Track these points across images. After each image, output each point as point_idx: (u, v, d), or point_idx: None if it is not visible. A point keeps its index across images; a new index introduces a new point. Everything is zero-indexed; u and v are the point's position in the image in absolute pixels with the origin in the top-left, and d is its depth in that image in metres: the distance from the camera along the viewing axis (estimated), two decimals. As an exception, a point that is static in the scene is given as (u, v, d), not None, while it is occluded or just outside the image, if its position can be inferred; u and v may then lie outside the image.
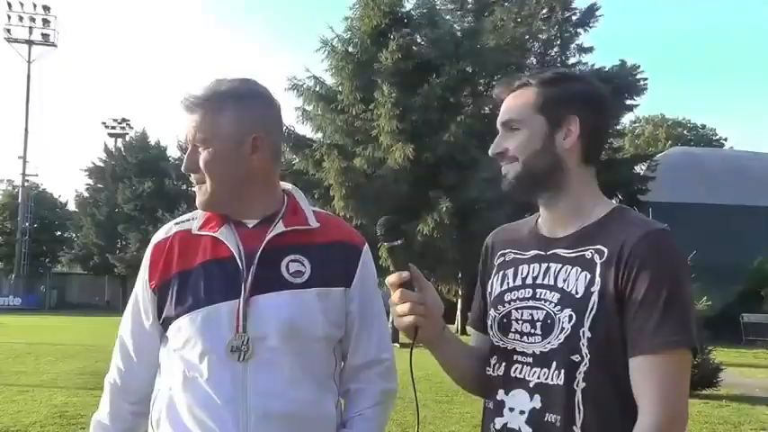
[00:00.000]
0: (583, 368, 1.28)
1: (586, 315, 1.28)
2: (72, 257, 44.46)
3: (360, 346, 1.57)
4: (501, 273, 1.48)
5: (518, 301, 1.40)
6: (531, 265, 1.42)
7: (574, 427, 1.27)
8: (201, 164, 1.48)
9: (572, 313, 1.30)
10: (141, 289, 1.56)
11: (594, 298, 1.28)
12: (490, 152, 1.46)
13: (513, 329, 1.40)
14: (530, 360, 1.35)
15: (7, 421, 6.65)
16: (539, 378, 1.33)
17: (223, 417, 1.40)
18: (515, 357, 1.38)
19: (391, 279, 1.36)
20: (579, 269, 1.32)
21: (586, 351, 1.28)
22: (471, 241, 16.48)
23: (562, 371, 1.29)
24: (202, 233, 1.53)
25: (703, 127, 52.05)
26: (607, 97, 1.47)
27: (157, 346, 1.55)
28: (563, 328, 1.30)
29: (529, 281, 1.40)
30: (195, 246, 1.52)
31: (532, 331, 1.36)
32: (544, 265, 1.39)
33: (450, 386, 10.20)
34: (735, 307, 19.57)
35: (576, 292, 1.31)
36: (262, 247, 1.49)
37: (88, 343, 14.51)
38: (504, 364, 1.40)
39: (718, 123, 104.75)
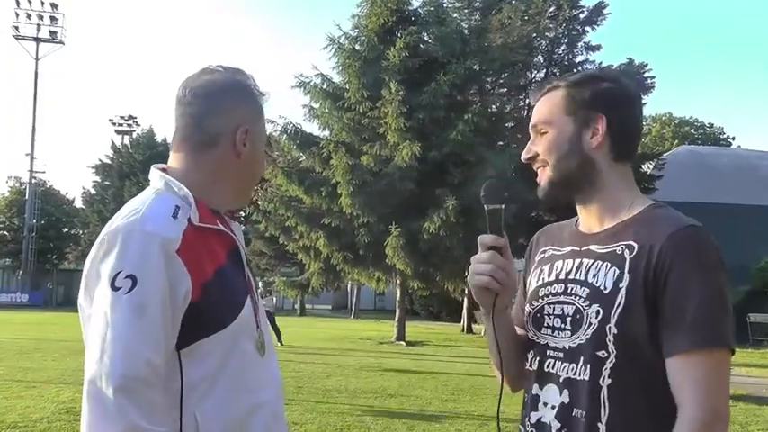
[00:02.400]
0: (609, 364, 1.28)
1: (613, 311, 1.28)
2: (79, 254, 44.47)
3: None
4: (539, 269, 1.51)
5: (551, 296, 1.42)
6: (566, 261, 1.44)
7: (599, 424, 1.27)
8: None
9: (599, 309, 1.30)
10: (168, 303, 1.26)
11: (622, 293, 1.28)
12: (522, 158, 1.48)
13: (545, 324, 1.42)
14: (560, 355, 1.36)
15: (14, 417, 6.66)
16: (567, 373, 1.34)
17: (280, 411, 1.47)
18: (548, 352, 1.39)
19: (487, 239, 1.39)
20: (609, 264, 1.33)
21: (612, 347, 1.27)
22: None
23: (588, 366, 1.30)
24: (207, 226, 1.37)
25: (711, 126, 51.90)
26: (635, 95, 1.47)
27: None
28: (590, 324, 1.31)
29: (562, 276, 1.42)
30: (206, 243, 1.36)
31: (563, 326, 1.37)
32: (577, 261, 1.41)
33: (456, 385, 10.13)
34: (741, 307, 19.49)
35: (605, 288, 1.32)
36: (243, 242, 1.50)
37: (95, 339, 14.51)
38: (538, 358, 1.42)
39: (725, 122, 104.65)
